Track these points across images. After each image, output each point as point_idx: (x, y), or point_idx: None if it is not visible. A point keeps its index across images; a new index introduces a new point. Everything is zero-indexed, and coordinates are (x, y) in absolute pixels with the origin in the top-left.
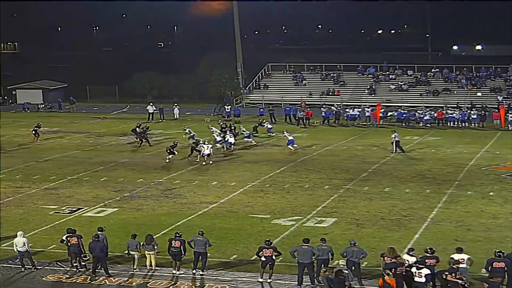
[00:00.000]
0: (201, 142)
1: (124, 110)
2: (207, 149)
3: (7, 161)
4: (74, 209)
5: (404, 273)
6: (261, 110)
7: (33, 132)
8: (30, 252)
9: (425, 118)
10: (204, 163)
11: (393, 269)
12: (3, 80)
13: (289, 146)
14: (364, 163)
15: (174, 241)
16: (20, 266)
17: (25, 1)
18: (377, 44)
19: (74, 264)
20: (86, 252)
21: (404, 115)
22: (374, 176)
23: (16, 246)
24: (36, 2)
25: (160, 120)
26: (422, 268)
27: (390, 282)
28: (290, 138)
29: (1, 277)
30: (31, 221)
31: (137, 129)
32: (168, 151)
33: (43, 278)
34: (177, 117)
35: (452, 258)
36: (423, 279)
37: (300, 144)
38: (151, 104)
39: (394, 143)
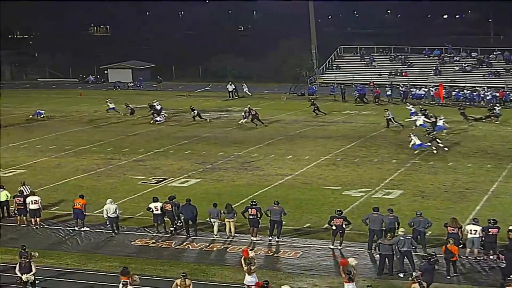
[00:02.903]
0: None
1: (206, 88)
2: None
3: (99, 135)
4: (160, 179)
5: None
6: (332, 88)
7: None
8: (119, 218)
9: (488, 98)
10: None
11: None
12: (96, 59)
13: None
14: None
15: (250, 209)
16: (111, 231)
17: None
18: (442, 28)
19: (162, 231)
20: (177, 219)
21: (461, 95)
22: (438, 151)
23: (107, 212)
24: None
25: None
26: None
27: (451, 249)
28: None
29: (93, 241)
30: (121, 190)
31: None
32: (432, 139)
33: (132, 243)
34: (250, 93)
35: (511, 230)
36: None
37: (369, 120)
38: (230, 83)
39: (387, 120)
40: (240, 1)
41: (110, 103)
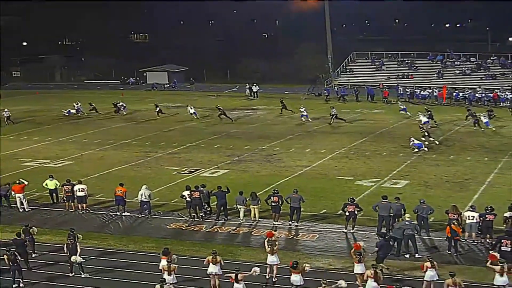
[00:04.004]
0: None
1: (234, 89)
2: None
3: (139, 131)
4: (193, 170)
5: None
6: (343, 90)
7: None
8: (150, 203)
9: (485, 99)
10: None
11: None
12: (135, 63)
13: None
14: (432, 135)
15: (273, 196)
16: (145, 215)
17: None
18: (445, 36)
19: (193, 214)
20: (205, 205)
21: (460, 95)
22: (440, 146)
23: (141, 197)
24: (163, 2)
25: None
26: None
27: (456, 229)
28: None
29: (133, 224)
30: (158, 180)
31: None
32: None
33: (167, 226)
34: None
35: (506, 216)
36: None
37: (379, 118)
38: (254, 84)
39: (332, 116)
40: (264, 12)
41: (77, 104)
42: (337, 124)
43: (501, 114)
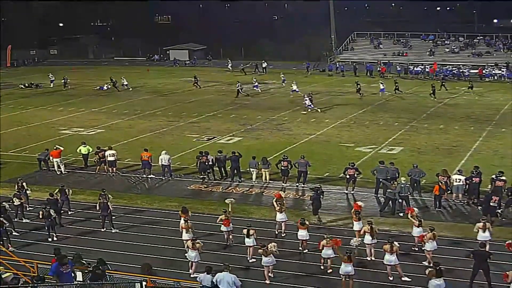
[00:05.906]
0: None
1: (247, 65)
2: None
3: (162, 102)
4: (211, 137)
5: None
6: (342, 66)
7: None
8: (170, 166)
9: (466, 74)
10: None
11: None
12: (160, 42)
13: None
14: (424, 106)
15: (282, 161)
16: (166, 177)
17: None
18: (436, 18)
19: (205, 177)
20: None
21: (449, 72)
22: (431, 116)
23: (161, 161)
24: None
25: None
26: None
27: (442, 186)
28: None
29: (158, 186)
30: (179, 146)
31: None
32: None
33: (187, 187)
34: (230, 69)
35: (492, 178)
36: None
37: (376, 92)
38: (263, 61)
39: (237, 90)
40: None
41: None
42: (339, 97)
43: (485, 88)
